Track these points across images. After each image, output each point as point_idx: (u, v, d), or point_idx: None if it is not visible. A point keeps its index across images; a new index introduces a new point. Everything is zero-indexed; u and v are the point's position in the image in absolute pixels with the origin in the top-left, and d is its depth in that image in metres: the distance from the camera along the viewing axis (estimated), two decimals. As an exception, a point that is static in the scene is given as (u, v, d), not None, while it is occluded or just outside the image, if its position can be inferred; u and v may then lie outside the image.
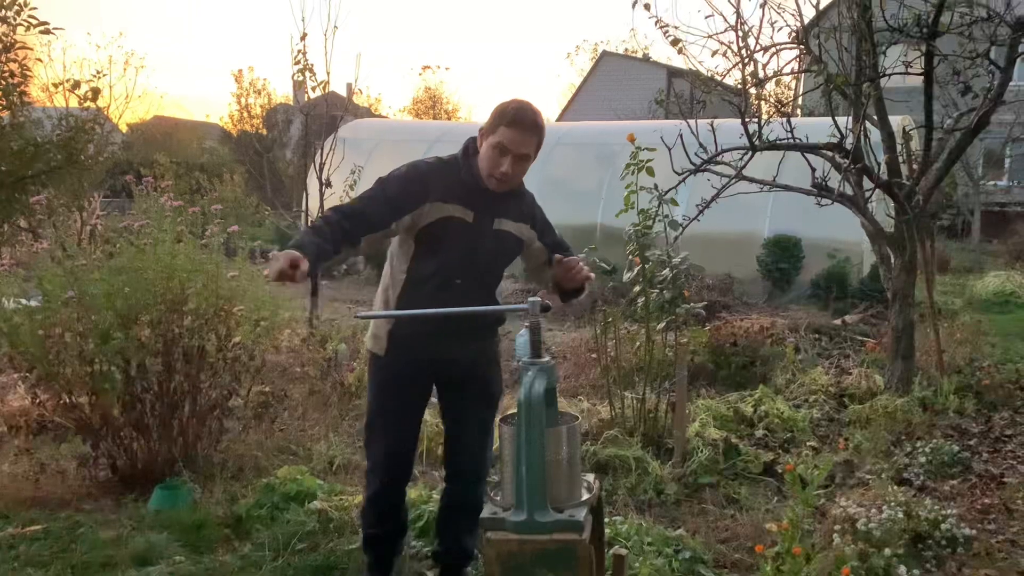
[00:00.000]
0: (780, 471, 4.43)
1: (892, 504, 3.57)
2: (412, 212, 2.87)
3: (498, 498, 2.39)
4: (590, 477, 2.52)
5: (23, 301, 4.36)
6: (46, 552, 3.53)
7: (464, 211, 2.91)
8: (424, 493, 3.90)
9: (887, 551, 3.24)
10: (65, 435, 4.84)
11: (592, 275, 2.94)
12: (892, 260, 6.06)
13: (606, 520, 3.19)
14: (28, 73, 6.51)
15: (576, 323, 9.37)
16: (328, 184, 7.73)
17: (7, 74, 6.32)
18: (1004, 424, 5.58)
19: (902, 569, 3.14)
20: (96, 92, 7.16)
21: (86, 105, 7.10)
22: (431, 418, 4.21)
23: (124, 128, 23.79)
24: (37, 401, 4.54)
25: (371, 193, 2.90)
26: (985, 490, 4.39)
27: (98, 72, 9.90)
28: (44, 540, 3.65)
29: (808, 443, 5.09)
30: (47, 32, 6.45)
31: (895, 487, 4.02)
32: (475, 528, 2.97)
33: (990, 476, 4.60)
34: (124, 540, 3.65)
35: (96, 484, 4.35)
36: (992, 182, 21.18)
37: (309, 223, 7.97)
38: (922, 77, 5.60)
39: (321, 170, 7.79)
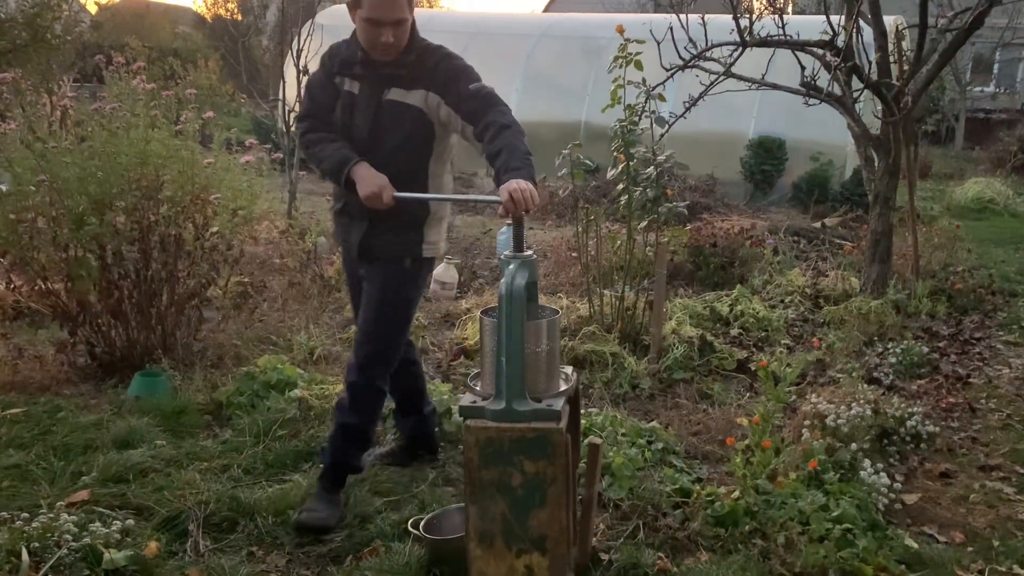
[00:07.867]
0: (753, 368, 4.51)
1: (861, 402, 3.66)
2: (335, 92, 2.95)
3: (478, 387, 2.42)
4: (568, 369, 2.54)
5: (-8, 185, 4.27)
6: (27, 435, 3.55)
7: (351, 83, 2.92)
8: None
9: (853, 446, 3.34)
10: (42, 321, 4.83)
11: (525, 207, 2.44)
12: (876, 163, 6.04)
13: (582, 411, 3.26)
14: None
15: (558, 221, 9.35)
16: (306, 72, 7.45)
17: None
18: (973, 327, 5.70)
19: (867, 463, 3.24)
20: (61, -33, 6.83)
21: (51, -19, 6.78)
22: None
23: (93, 9, 22.81)
24: (12, 287, 4.49)
25: (309, 94, 3.02)
26: (951, 390, 4.51)
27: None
28: (25, 423, 3.67)
29: (782, 342, 5.19)
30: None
31: (865, 386, 4.11)
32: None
33: (956, 376, 4.73)
34: (105, 424, 3.68)
35: (75, 370, 4.36)
36: (979, 88, 21.00)
37: (295, 123, 7.83)
38: (919, -26, 5.45)
39: (298, 57, 7.54)
